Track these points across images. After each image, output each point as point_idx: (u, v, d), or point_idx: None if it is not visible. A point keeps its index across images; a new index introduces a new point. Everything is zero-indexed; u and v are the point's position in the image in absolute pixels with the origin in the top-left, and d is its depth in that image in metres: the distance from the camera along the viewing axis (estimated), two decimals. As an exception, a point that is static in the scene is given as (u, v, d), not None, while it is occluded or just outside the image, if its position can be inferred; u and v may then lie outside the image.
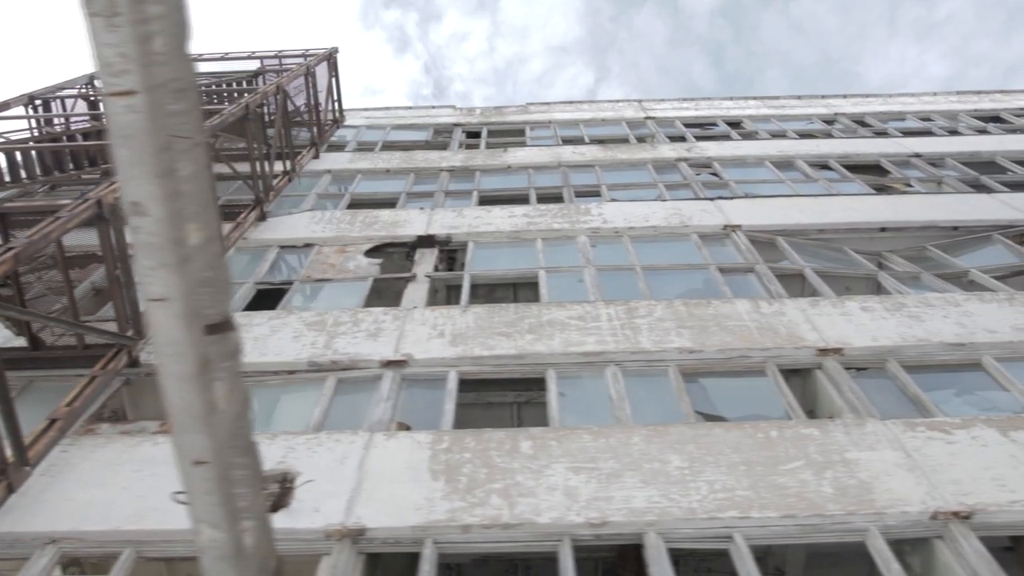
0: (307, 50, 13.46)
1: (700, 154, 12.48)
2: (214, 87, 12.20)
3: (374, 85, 59.54)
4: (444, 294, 9.39)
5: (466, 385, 7.20)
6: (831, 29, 59.43)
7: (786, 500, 5.14)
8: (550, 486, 5.34)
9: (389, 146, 13.66)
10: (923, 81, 58.23)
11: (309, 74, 12.06)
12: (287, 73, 11.28)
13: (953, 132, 13.72)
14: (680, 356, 6.88)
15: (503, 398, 7.21)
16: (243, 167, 9.95)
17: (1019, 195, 10.49)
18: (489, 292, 9.33)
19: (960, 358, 6.90)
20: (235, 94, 12.02)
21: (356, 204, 11.26)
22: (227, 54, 13.48)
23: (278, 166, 10.94)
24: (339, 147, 13.68)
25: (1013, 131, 13.77)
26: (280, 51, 13.47)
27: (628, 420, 6.09)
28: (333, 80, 13.86)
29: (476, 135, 14.46)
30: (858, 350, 6.91)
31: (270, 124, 10.94)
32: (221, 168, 9.31)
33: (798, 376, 7.04)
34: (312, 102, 12.27)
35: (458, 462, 5.60)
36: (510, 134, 14.44)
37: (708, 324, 7.30)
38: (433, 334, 7.31)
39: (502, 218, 10.02)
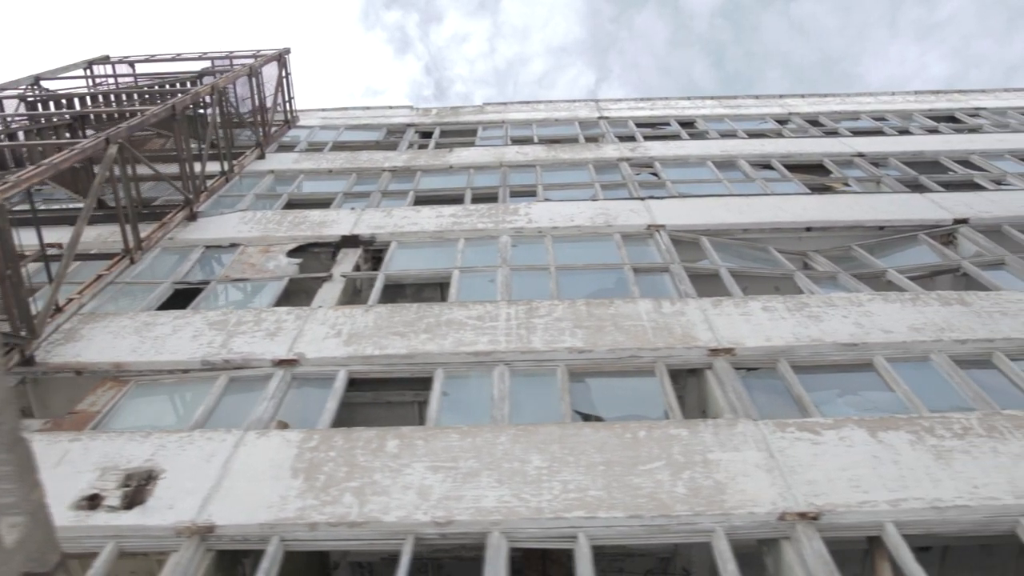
0: (258, 51, 13.52)
1: (643, 154, 12.46)
2: (156, 88, 12.26)
3: (375, 86, 59.69)
4: (369, 294, 9.42)
5: (363, 384, 7.26)
6: (831, 30, 59.13)
7: (636, 500, 5.13)
8: (405, 485, 5.35)
9: (339, 146, 13.70)
10: (923, 82, 57.86)
11: (253, 75, 12.12)
12: (226, 74, 11.33)
13: (903, 132, 13.63)
14: (570, 356, 6.88)
15: (402, 397, 7.22)
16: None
17: (951, 195, 10.42)
18: (417, 292, 9.36)
19: (852, 358, 6.86)
20: (178, 95, 12.07)
21: (294, 204, 11.31)
22: (178, 55, 13.57)
23: (216, 167, 11.00)
24: (290, 147, 13.75)
25: (963, 131, 13.68)
26: (231, 52, 13.54)
27: (504, 420, 6.09)
28: (284, 81, 13.91)
29: (429, 135, 14.48)
30: (750, 350, 6.89)
31: (222, 125, 11.00)
32: (143, 169, 9.37)
33: (695, 376, 7.03)
34: (257, 103, 12.33)
35: (321, 460, 5.63)
36: (462, 134, 14.46)
37: (605, 324, 7.29)
38: (331, 334, 7.34)
39: (429, 218, 10.04)
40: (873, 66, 57.71)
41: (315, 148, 13.64)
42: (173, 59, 13.51)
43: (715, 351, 6.86)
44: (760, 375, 6.83)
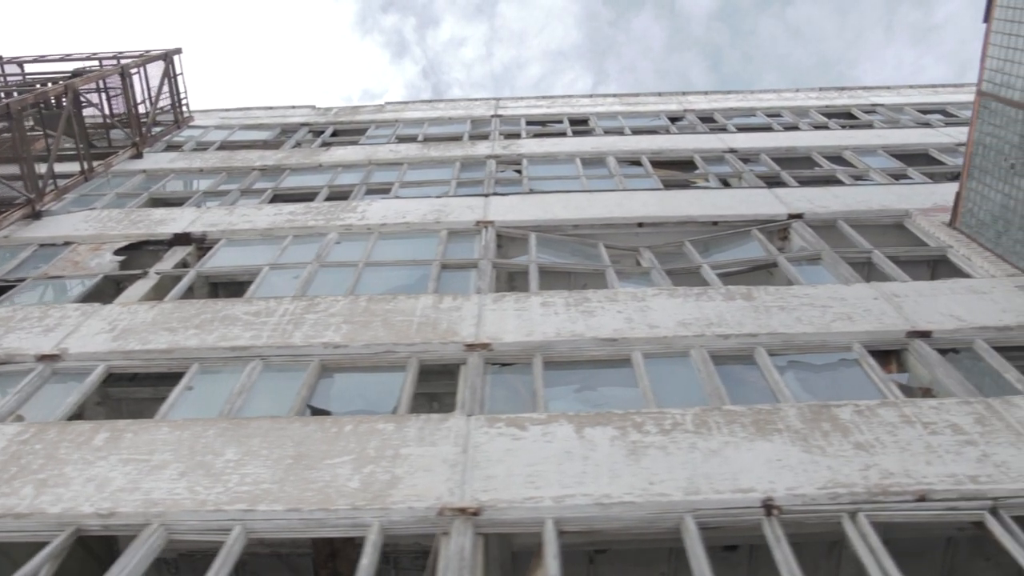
0: (146, 51, 13.63)
1: (514, 151, 12.39)
2: (16, 88, 12.37)
3: (373, 89, 59.87)
4: (207, 291, 9.42)
5: (144, 380, 7.30)
6: (828, 32, 58.54)
7: (304, 494, 5.08)
8: (89, 477, 5.34)
9: (226, 146, 13.75)
10: (920, 84, 56.92)
11: (126, 75, 12.21)
12: (86, 75, 11.42)
13: (790, 128, 13.46)
14: (325, 351, 6.85)
15: (156, 394, 7.19)
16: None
17: (797, 190, 10.27)
18: (238, 288, 9.35)
19: (611, 353, 6.77)
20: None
21: (157, 203, 11.38)
22: (67, 55, 13.70)
23: (75, 166, 11.10)
24: (179, 147, 13.83)
25: (855, 127, 13.49)
26: (120, 52, 13.64)
27: (233, 413, 6.07)
28: (174, 81, 13.98)
29: (321, 134, 14.49)
30: (508, 345, 6.82)
31: (78, 124, 11.08)
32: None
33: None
34: (132, 103, 12.43)
35: (24, 453, 5.63)
36: (352, 133, 14.47)
37: (374, 320, 7.25)
38: (105, 329, 7.35)
39: (267, 216, 10.05)
40: (870, 69, 57.04)
41: (202, 148, 13.71)
42: (62, 59, 13.64)
43: (471, 346, 6.79)
44: (516, 370, 6.76)
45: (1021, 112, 7.73)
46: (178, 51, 14.04)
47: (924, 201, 9.70)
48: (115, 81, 12.58)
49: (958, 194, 8.87)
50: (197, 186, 11.84)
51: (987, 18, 8.21)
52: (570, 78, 56.74)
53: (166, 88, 13.80)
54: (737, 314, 7.13)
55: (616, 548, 6.67)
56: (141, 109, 13.01)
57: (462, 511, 4.91)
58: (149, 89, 12.88)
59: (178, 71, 14.06)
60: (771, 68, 57.84)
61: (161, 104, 13.98)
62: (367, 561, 4.60)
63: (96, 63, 13.41)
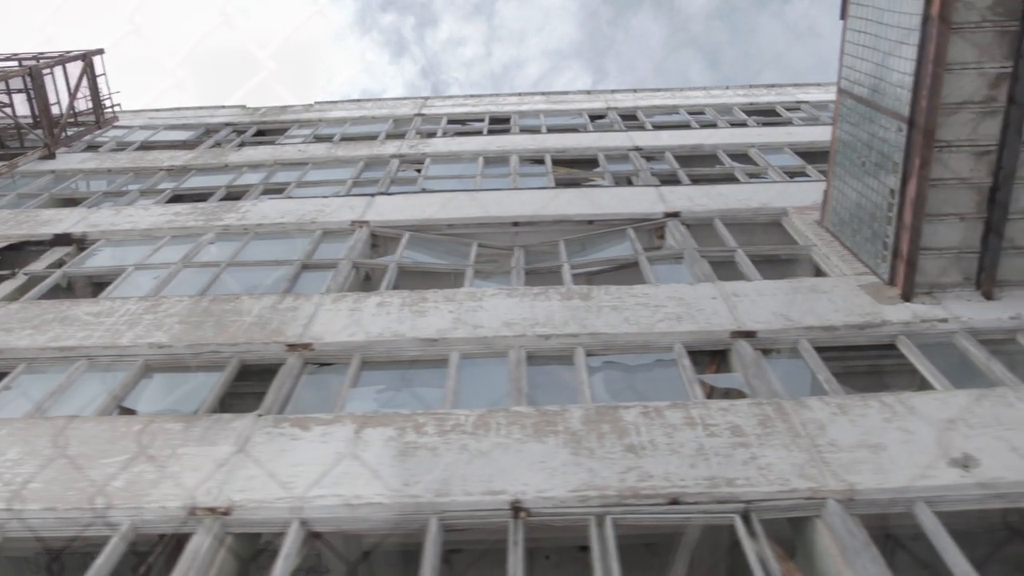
0: (65, 52, 13.75)
1: (420, 151, 12.39)
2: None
3: (373, 89, 59.91)
4: (91, 291, 9.48)
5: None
6: (827, 31, 57.97)
7: (67, 493, 5.10)
8: None
9: (146, 146, 13.84)
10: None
11: (36, 76, 12.32)
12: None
13: (708, 126, 13.37)
14: (150, 351, 6.89)
15: None
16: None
17: (682, 188, 10.22)
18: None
19: (430, 354, 6.77)
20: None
21: (58, 203, 11.49)
22: (-11, 57, 13.85)
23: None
24: (98, 147, 13.93)
25: (772, 124, 13.37)
26: (40, 53, 13.77)
27: (42, 414, 6.11)
28: (95, 82, 14.07)
29: (243, 133, 14.55)
30: (328, 345, 6.83)
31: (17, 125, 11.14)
32: None
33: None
34: (45, 104, 12.53)
35: None
36: (274, 132, 14.52)
37: (207, 320, 7.28)
38: (-58, 329, 7.43)
39: (152, 216, 10.11)
40: (869, 67, 56.42)
41: (120, 148, 13.80)
42: (-19, 60, 13.79)
43: (293, 347, 6.81)
44: (335, 370, 6.77)
45: (869, 109, 7.64)
46: (99, 52, 14.14)
47: (805, 199, 9.61)
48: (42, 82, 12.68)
49: (825, 192, 8.79)
50: (97, 187, 11.91)
51: (843, 15, 8.11)
52: (569, 77, 56.53)
53: (88, 89, 13.89)
54: (566, 314, 7.10)
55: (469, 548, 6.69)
56: (58, 110, 13.14)
57: (212, 511, 4.92)
58: (75, 90, 12.96)
59: (99, 72, 14.17)
60: (770, 67, 57.47)
61: (88, 106, 14.09)
62: (102, 561, 4.62)
63: (16, 64, 13.53)
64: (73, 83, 13.47)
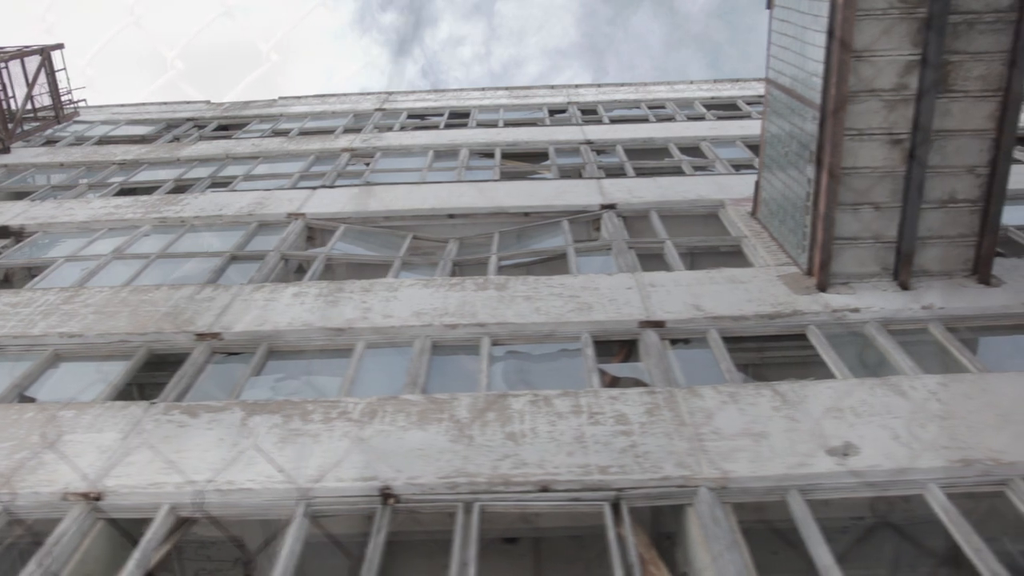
0: (24, 46, 13.80)
1: (372, 144, 12.39)
2: None
3: (372, 88, 60.02)
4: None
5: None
6: (826, 30, 57.76)
7: (-58, 480, 5.13)
8: None
9: (104, 141, 13.87)
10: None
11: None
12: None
13: (666, 119, 13.31)
14: (60, 340, 6.90)
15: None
16: None
17: (623, 181, 10.18)
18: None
19: (337, 343, 6.76)
20: None
21: (5, 196, 11.53)
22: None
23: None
24: (57, 142, 13.97)
25: (730, 118, 13.30)
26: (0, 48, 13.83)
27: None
28: (53, 76, 14.13)
29: (204, 128, 14.57)
30: (237, 335, 6.83)
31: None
32: None
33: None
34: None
35: None
36: (234, 127, 14.54)
37: (123, 310, 7.29)
38: None
39: (91, 209, 10.14)
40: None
41: (79, 142, 13.84)
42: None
43: (202, 336, 6.81)
44: (242, 359, 6.76)
45: (791, 99, 7.58)
46: (59, 47, 14.20)
47: (745, 191, 9.55)
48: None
49: (757, 184, 8.73)
50: (54, 180, 11.97)
51: (769, 4, 8.06)
52: (568, 76, 56.47)
53: (46, 84, 13.96)
54: (477, 304, 7.07)
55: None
56: (14, 105, 13.20)
57: (84, 496, 4.92)
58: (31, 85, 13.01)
59: (59, 67, 14.24)
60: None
61: (48, 102, 14.15)
62: (-34, 546, 4.64)
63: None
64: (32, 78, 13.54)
